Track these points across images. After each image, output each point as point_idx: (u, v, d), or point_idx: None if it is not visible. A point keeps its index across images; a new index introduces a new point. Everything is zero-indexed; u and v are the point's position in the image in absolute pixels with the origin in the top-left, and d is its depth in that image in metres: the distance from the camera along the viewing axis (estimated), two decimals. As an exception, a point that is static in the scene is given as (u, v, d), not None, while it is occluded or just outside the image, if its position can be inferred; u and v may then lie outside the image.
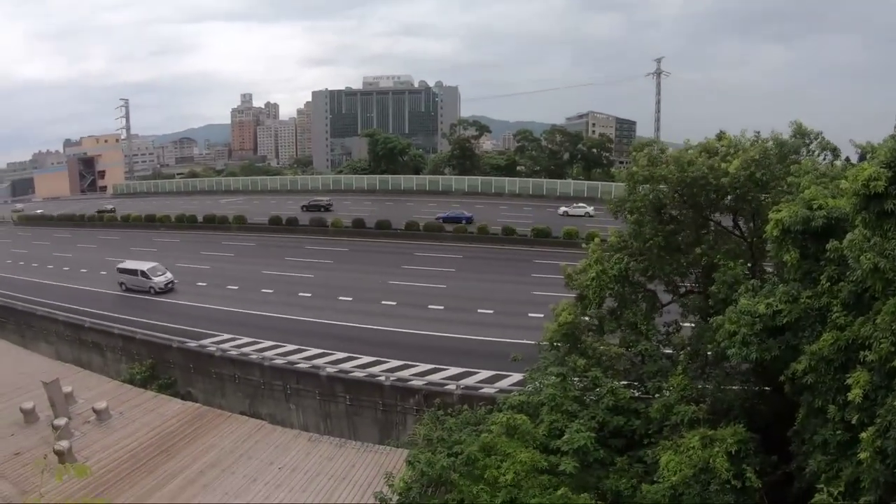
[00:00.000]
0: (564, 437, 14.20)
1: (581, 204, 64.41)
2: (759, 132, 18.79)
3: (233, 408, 28.06)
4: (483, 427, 15.80)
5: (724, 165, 16.93)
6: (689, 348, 17.37)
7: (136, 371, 33.02)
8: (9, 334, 41.20)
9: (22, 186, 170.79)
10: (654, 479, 13.07)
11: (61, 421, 22.23)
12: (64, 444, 19.97)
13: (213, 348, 32.18)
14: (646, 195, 18.39)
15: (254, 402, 30.55)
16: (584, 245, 22.27)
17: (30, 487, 18.82)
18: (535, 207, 66.12)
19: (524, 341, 26.51)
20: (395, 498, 15.11)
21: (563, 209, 63.51)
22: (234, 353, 31.50)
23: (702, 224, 19.19)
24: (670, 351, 18.37)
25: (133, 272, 44.67)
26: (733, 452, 12.17)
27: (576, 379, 16.68)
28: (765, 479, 12.31)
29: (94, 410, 23.67)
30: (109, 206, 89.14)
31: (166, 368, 33.58)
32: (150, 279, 43.68)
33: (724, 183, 16.74)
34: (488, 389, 23.98)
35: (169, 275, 44.72)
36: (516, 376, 23.87)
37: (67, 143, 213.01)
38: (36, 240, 73.39)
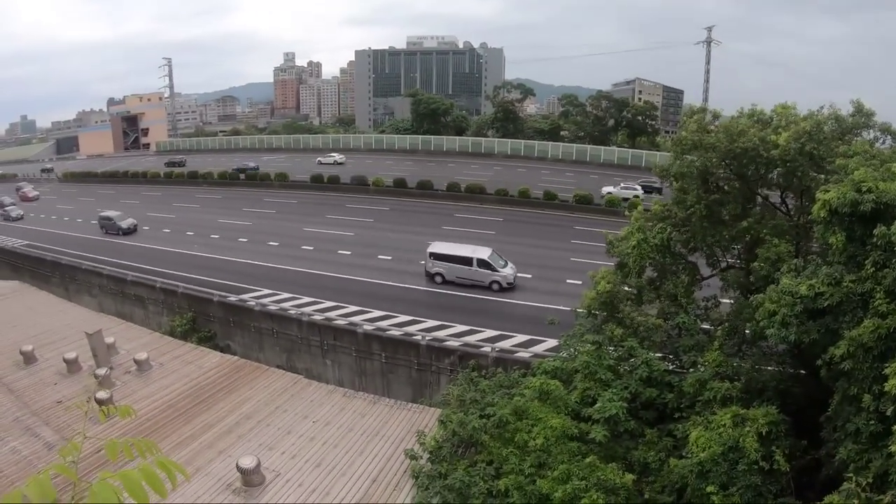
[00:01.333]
0: (596, 406, 14.25)
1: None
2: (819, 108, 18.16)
3: (270, 362, 28.56)
4: (516, 391, 16.01)
5: (773, 138, 16.54)
6: (726, 325, 17.26)
7: (176, 324, 34.00)
8: (54, 287, 42.47)
9: (66, 145, 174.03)
10: (683, 453, 13.13)
11: (103, 371, 22.88)
12: (105, 393, 20.64)
13: (252, 303, 32.77)
14: (692, 162, 18.10)
15: (291, 356, 31.20)
16: (626, 213, 22.12)
17: (71, 434, 19.38)
18: (577, 173, 65.03)
19: (561, 307, 26.72)
20: (426, 455, 15.52)
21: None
22: (273, 308, 32.05)
23: (748, 197, 18.86)
24: (708, 326, 18.26)
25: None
26: (764, 433, 12.11)
27: (611, 348, 16.61)
28: (793, 462, 12.26)
29: (135, 361, 24.23)
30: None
31: (206, 322, 34.46)
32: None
33: (774, 155, 16.31)
34: (523, 353, 24.03)
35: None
36: (551, 342, 23.86)
37: (111, 101, 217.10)
38: (81, 196, 75.15)
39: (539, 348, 24.32)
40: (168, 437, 18.81)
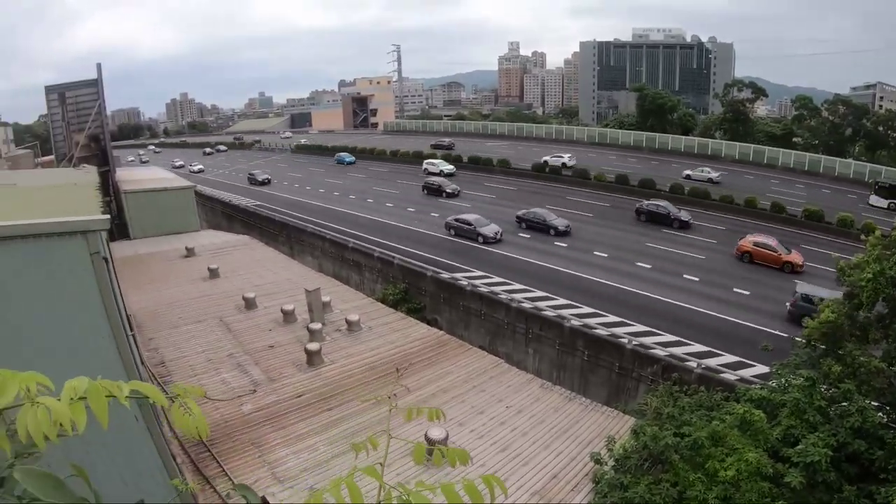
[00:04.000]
0: (798, 447, 13.17)
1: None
2: None
3: (473, 341, 29.25)
4: (716, 414, 15.26)
5: None
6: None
7: (389, 292, 36.48)
8: (280, 245, 47.63)
9: (300, 120, 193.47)
10: None
11: (316, 325, 24.49)
12: (314, 345, 22.44)
13: (464, 282, 34.03)
14: None
15: (494, 339, 32.00)
16: (861, 237, 20.51)
17: (277, 377, 21.46)
18: (807, 185, 59.71)
19: (777, 332, 25.29)
20: (611, 462, 15.26)
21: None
22: (483, 289, 33.05)
23: None
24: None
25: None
26: None
27: (824, 386, 15.28)
28: None
29: (347, 321, 25.79)
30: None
31: (418, 294, 36.56)
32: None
33: None
34: (729, 375, 22.83)
35: None
36: (761, 368, 22.63)
37: (342, 83, 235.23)
38: (311, 166, 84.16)
39: (746, 372, 23.02)
40: (365, 395, 19.78)
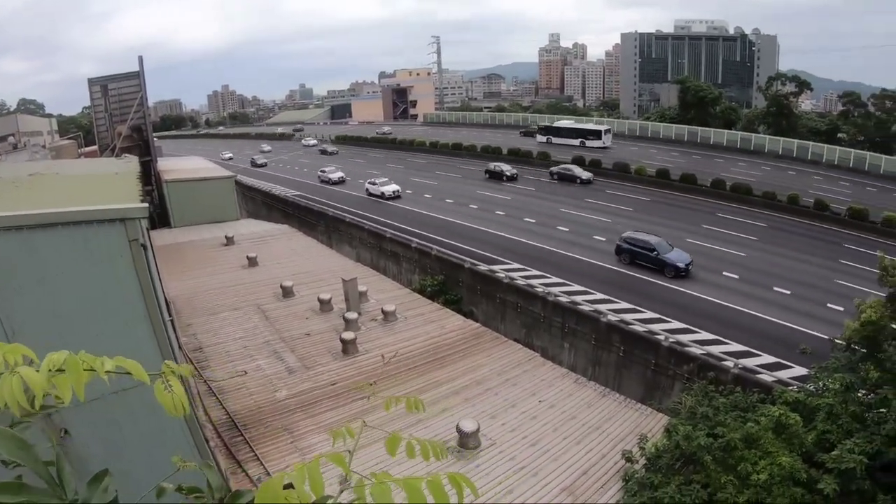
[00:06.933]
0: (833, 453, 12.80)
1: None
2: None
3: (509, 334, 29.12)
4: (751, 416, 14.90)
5: None
6: None
7: (426, 283, 36.56)
8: (318, 235, 48.13)
9: (340, 111, 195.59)
10: None
11: (352, 315, 24.68)
12: (349, 334, 22.62)
13: (502, 275, 33.91)
14: None
15: (530, 332, 31.88)
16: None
17: (311, 364, 21.75)
18: (853, 183, 57.98)
19: (816, 333, 24.64)
20: (642, 461, 15.17)
21: None
22: (521, 282, 32.90)
23: None
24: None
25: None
26: None
27: (862, 391, 14.88)
28: None
29: (383, 311, 25.86)
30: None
31: (454, 286, 36.50)
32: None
33: None
34: (766, 376, 22.34)
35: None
36: (799, 370, 22.23)
37: (382, 74, 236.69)
38: (352, 157, 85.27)
39: (784, 374, 22.58)
40: (399, 385, 20.01)
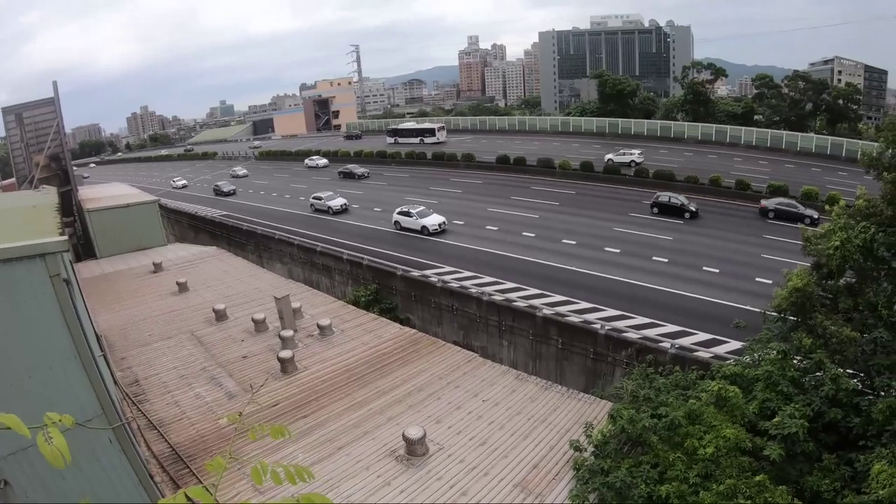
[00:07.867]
0: (774, 420, 13.36)
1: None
2: None
3: (447, 337, 29.22)
4: (692, 392, 15.43)
5: None
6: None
7: (360, 294, 36.37)
8: (248, 254, 47.36)
9: (262, 126, 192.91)
10: (861, 488, 12.04)
11: (288, 332, 24.13)
12: (287, 353, 22.14)
13: (434, 279, 34.02)
14: None
15: (468, 334, 32.11)
16: (826, 208, 20.71)
17: (251, 387, 20.85)
18: (771, 161, 60.83)
19: (747, 307, 25.39)
20: (591, 448, 15.28)
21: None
22: (454, 285, 33.03)
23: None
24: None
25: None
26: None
27: (797, 358, 15.43)
28: None
29: (318, 326, 25.38)
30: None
31: (389, 294, 36.46)
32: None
33: None
34: (703, 353, 23.06)
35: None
36: (734, 344, 22.93)
37: (303, 86, 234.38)
38: (277, 172, 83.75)
39: (720, 349, 23.34)
40: (342, 399, 19.86)
